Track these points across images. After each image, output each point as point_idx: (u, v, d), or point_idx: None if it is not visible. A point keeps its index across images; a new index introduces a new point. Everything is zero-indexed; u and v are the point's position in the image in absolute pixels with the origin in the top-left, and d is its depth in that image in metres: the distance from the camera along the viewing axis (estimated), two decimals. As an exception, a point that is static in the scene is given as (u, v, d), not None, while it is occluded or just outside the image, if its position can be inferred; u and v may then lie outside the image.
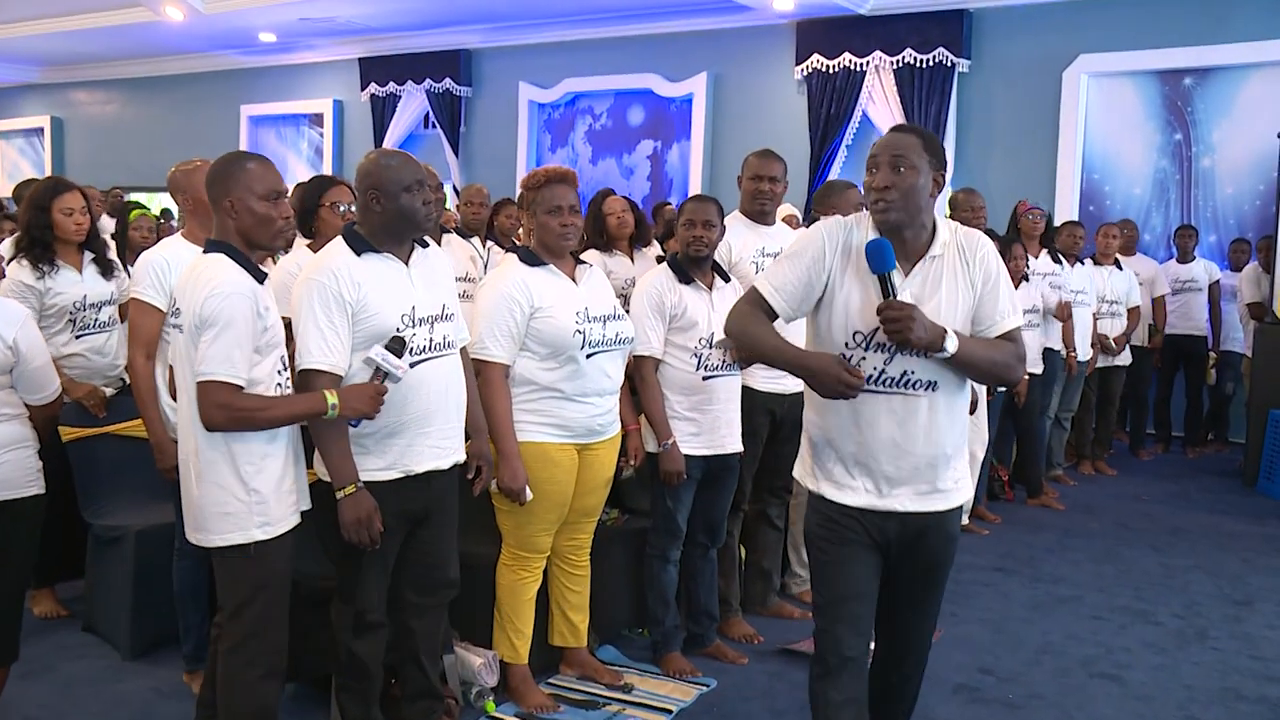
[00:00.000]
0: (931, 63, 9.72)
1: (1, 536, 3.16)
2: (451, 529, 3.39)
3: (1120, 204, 9.30)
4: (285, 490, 2.92)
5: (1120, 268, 7.72)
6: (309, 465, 3.27)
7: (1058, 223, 7.66)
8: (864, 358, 2.66)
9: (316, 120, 13.97)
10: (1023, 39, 9.51)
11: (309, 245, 3.93)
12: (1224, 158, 8.92)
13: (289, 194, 3.18)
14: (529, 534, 3.70)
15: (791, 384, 4.36)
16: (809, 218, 5.00)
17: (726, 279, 4.16)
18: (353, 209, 4.03)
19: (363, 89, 13.30)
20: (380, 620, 3.27)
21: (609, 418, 3.75)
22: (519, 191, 3.99)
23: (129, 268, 4.80)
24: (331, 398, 2.89)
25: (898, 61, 9.88)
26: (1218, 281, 8.55)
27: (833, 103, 10.26)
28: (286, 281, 3.56)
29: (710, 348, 3.99)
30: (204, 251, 2.93)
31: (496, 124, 12.39)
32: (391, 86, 13.04)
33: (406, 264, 3.20)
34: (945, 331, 2.58)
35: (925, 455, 2.70)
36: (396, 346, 3.01)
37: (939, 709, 3.80)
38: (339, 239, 3.22)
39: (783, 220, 6.99)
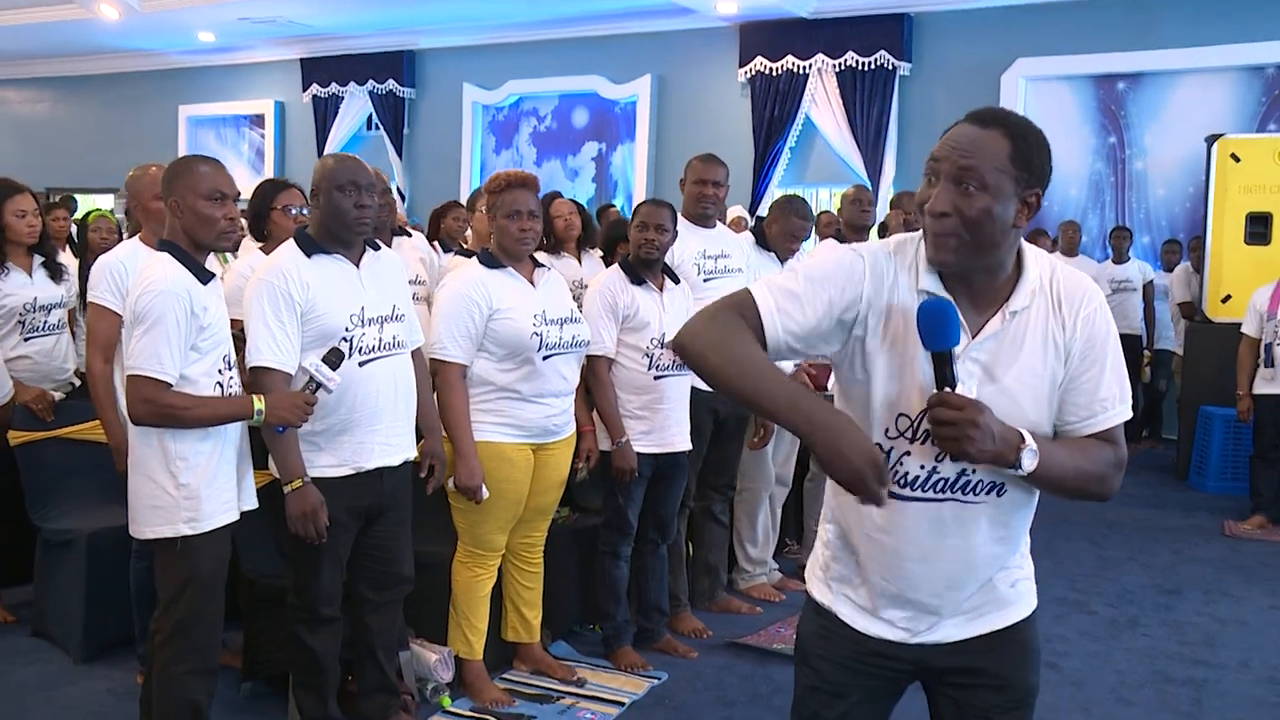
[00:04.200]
0: (873, 65, 9.94)
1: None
2: (405, 526, 3.46)
3: (1058, 205, 9.55)
4: (218, 488, 2.96)
5: None
6: (266, 466, 3.34)
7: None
8: (909, 451, 1.86)
9: (257, 121, 13.89)
10: (962, 43, 9.74)
11: (261, 248, 3.97)
12: (1156, 160, 9.23)
13: (238, 196, 3.21)
14: (484, 532, 3.75)
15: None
16: (759, 227, 5.12)
17: (676, 280, 4.25)
18: (304, 212, 4.09)
19: (304, 90, 13.25)
20: (335, 615, 3.33)
21: (564, 418, 3.82)
22: (467, 195, 4.03)
23: (87, 271, 4.81)
24: (259, 403, 2.95)
25: (840, 64, 10.07)
26: (1151, 281, 8.82)
27: (776, 105, 10.43)
28: (239, 284, 3.60)
29: (661, 348, 4.07)
30: (155, 250, 2.97)
31: (440, 126, 12.41)
32: (334, 88, 13.01)
33: (357, 265, 3.26)
34: (1022, 440, 1.76)
35: (979, 574, 1.94)
36: (333, 359, 3.06)
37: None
38: (290, 241, 3.29)
39: (731, 222, 7.14)
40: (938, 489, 1.86)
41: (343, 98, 13.02)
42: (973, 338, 1.83)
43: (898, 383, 1.84)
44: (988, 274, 1.83)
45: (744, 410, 4.61)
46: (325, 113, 13.16)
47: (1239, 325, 6.72)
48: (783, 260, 4.90)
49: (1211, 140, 7.74)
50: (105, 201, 12.64)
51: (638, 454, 4.05)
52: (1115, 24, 9.10)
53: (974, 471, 1.85)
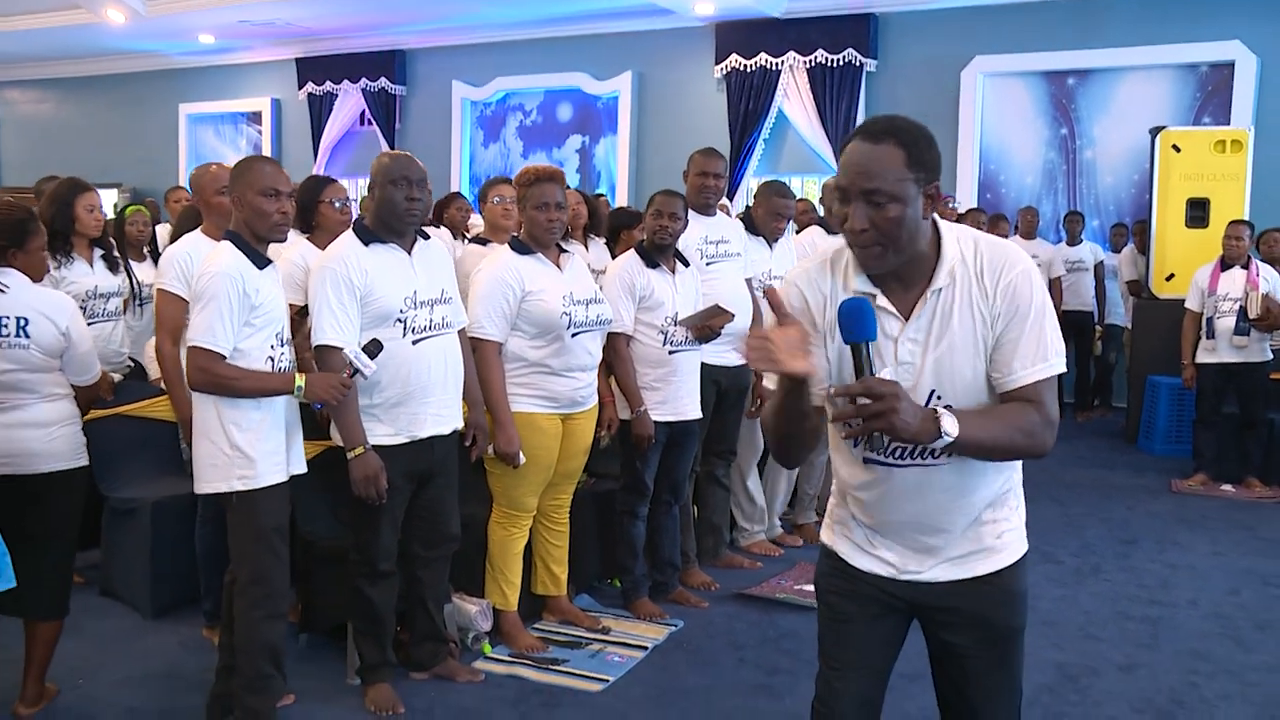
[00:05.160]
0: (841, 62, 10.19)
1: (57, 503, 3.45)
2: (453, 489, 3.75)
3: (1015, 192, 9.92)
4: (268, 450, 3.22)
5: None
6: (326, 436, 3.69)
7: (962, 210, 8.23)
8: (881, 438, 1.98)
9: (255, 118, 13.98)
10: (924, 41, 10.02)
11: (308, 238, 4.24)
12: (1103, 150, 9.60)
13: (292, 193, 3.43)
14: (518, 495, 4.06)
15: (735, 357, 4.79)
16: (746, 214, 5.44)
17: (686, 264, 4.57)
18: (349, 204, 4.43)
19: (300, 88, 13.35)
20: (392, 569, 3.64)
21: (589, 390, 4.12)
22: (457, 186, 4.29)
23: (129, 263, 5.13)
24: (299, 380, 3.24)
25: (810, 61, 10.32)
26: (1101, 262, 9.17)
27: (750, 99, 10.65)
28: (289, 271, 3.92)
29: (674, 325, 4.40)
30: (216, 240, 3.29)
31: (431, 121, 12.55)
32: (328, 86, 13.12)
33: (409, 253, 3.56)
34: (936, 416, 1.91)
35: (958, 525, 2.16)
36: (373, 349, 3.32)
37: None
38: (350, 231, 3.60)
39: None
40: (899, 455, 2.09)
41: (336, 95, 13.14)
42: (905, 320, 2.05)
43: (850, 370, 1.99)
44: (910, 263, 2.03)
45: (744, 381, 5.01)
46: (320, 110, 13.28)
47: (1182, 301, 7.10)
48: (771, 242, 5.20)
49: (1155, 132, 8.12)
50: (110, 197, 12.74)
51: (654, 422, 4.36)
52: (1065, 24, 9.42)
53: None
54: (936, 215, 2.07)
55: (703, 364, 4.64)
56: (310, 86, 13.26)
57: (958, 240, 2.06)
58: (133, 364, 4.98)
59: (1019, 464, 2.22)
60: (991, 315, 2.02)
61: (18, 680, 3.54)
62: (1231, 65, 8.96)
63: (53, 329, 3.41)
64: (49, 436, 3.43)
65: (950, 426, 1.90)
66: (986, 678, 2.24)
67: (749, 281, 5.00)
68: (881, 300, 2.06)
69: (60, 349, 3.46)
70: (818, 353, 2.09)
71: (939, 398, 2.04)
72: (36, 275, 3.50)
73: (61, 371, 3.51)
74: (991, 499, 2.17)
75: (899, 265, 2.03)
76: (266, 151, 13.59)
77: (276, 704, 3.39)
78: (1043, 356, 2.01)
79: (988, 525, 2.17)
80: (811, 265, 2.17)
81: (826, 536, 2.34)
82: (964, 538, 2.17)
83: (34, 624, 3.48)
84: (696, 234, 4.80)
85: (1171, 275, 7.99)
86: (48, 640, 3.51)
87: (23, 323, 3.36)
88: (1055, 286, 8.94)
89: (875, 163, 1.95)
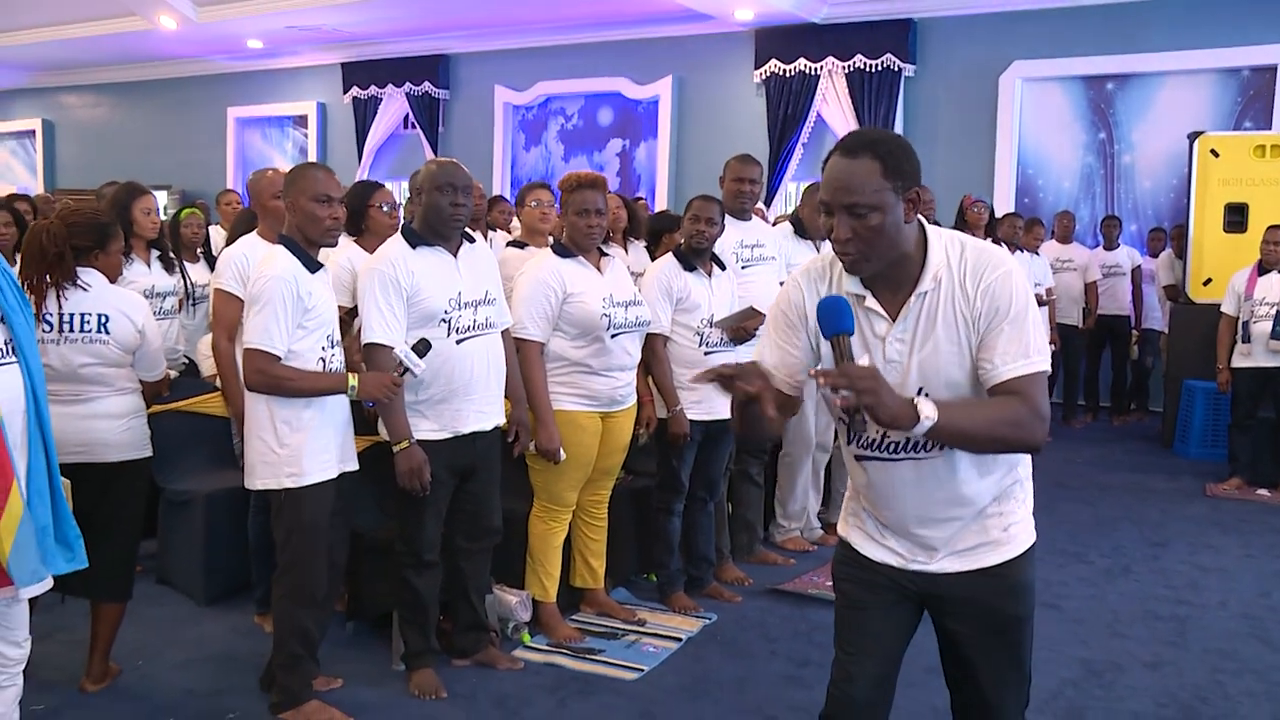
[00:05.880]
0: (880, 68, 10.20)
1: (125, 491, 3.63)
2: (495, 483, 3.87)
3: (1052, 197, 9.92)
4: (318, 449, 3.36)
5: (1037, 254, 8.15)
6: (374, 432, 3.83)
7: (998, 214, 8.18)
8: (866, 423, 2.09)
9: (300, 122, 14.17)
10: (963, 46, 10.03)
11: (356, 241, 4.36)
12: (1142, 155, 9.57)
13: (343, 199, 3.57)
14: (558, 490, 4.17)
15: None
16: (795, 217, 5.54)
17: (723, 267, 4.66)
18: (396, 209, 4.57)
19: (345, 92, 13.51)
20: (436, 560, 3.76)
21: (628, 390, 4.22)
22: (498, 190, 4.36)
23: (183, 263, 5.31)
24: (352, 379, 3.36)
25: (849, 66, 10.34)
26: (1139, 266, 9.17)
27: (789, 105, 10.70)
28: (338, 274, 4.04)
29: (710, 326, 4.50)
30: (272, 242, 3.43)
31: (473, 125, 12.66)
32: (373, 90, 13.26)
33: (455, 256, 3.68)
34: (913, 402, 1.99)
35: (961, 516, 2.24)
36: (421, 348, 3.44)
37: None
38: (398, 234, 3.73)
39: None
40: (892, 450, 2.20)
41: (381, 99, 13.26)
42: (892, 321, 2.15)
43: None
44: (896, 266, 2.13)
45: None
46: (364, 113, 13.41)
47: (1219, 305, 7.09)
48: (819, 242, 5.30)
49: (1193, 137, 8.11)
50: (160, 199, 13.03)
51: (690, 421, 4.45)
52: (1105, 29, 9.39)
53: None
54: (923, 218, 2.18)
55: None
56: (355, 90, 13.41)
57: (945, 246, 2.15)
58: (187, 361, 5.15)
59: (1026, 459, 2.29)
60: (973, 317, 2.11)
61: (83, 659, 3.73)
62: (1274, 69, 8.92)
63: (130, 326, 3.58)
64: (120, 428, 3.61)
65: (928, 410, 1.97)
66: (993, 664, 2.32)
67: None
68: (870, 301, 2.18)
69: (135, 345, 3.63)
70: (805, 348, 2.24)
71: (926, 395, 2.11)
72: (113, 276, 3.68)
73: (132, 367, 3.67)
74: (996, 493, 2.24)
75: (884, 268, 2.13)
76: (312, 154, 13.82)
77: (309, 683, 3.53)
78: (1024, 354, 2.07)
79: (994, 518, 2.25)
80: (814, 265, 2.30)
81: (842, 528, 2.45)
82: (970, 530, 2.25)
83: (100, 605, 3.66)
84: (732, 238, 4.89)
85: (1209, 280, 7.97)
86: (112, 621, 3.69)
87: (103, 319, 3.53)
88: (1091, 291, 8.94)
89: (853, 177, 2.06)
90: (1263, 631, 4.52)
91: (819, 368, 2.14)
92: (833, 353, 2.08)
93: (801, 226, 5.35)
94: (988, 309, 2.09)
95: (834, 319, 2.08)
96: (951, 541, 2.25)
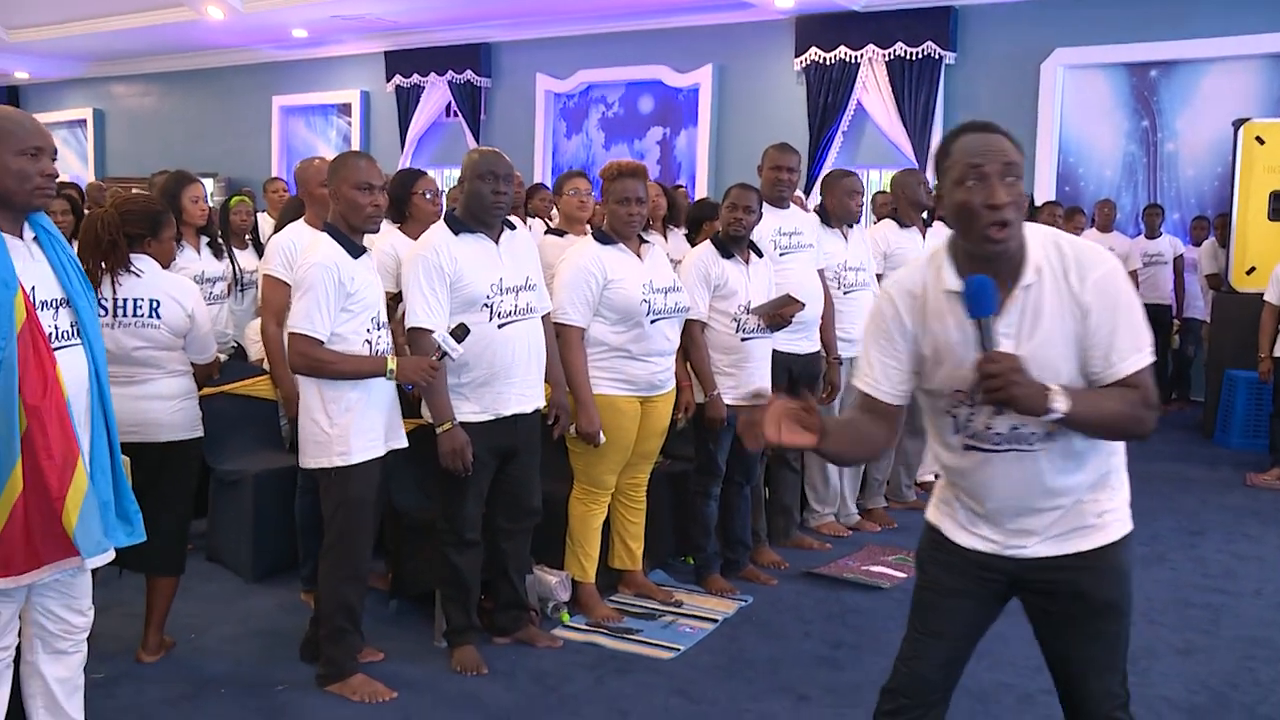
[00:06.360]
0: (920, 55, 10.18)
1: (177, 470, 3.74)
2: (535, 465, 3.94)
3: (1094, 185, 9.86)
4: (365, 428, 3.46)
5: None
6: (418, 415, 3.91)
7: (1038, 203, 8.20)
8: (971, 416, 2.23)
9: (344, 110, 14.31)
10: (1004, 33, 9.97)
11: (399, 228, 4.47)
12: (1185, 143, 9.48)
13: (384, 186, 3.66)
14: (598, 473, 4.24)
15: (806, 344, 4.94)
16: (820, 207, 5.57)
17: (760, 254, 4.71)
18: (439, 196, 4.65)
19: (388, 80, 13.61)
20: (477, 539, 3.84)
21: (667, 375, 4.28)
22: (539, 177, 4.40)
23: (232, 250, 5.44)
24: (391, 363, 3.45)
25: (889, 54, 10.33)
26: (1181, 255, 9.10)
27: (829, 93, 10.69)
28: (383, 260, 4.14)
29: (747, 313, 4.55)
30: (318, 229, 3.52)
31: (515, 113, 12.74)
32: (415, 78, 13.34)
33: (497, 243, 3.76)
34: (1048, 390, 2.05)
35: (1059, 506, 2.27)
36: (460, 333, 3.51)
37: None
38: (441, 222, 3.81)
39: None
40: (997, 441, 2.22)
41: (423, 87, 13.35)
42: (998, 315, 2.14)
43: (947, 367, 2.21)
44: (999, 259, 2.13)
45: (815, 369, 5.16)
46: (407, 101, 13.50)
47: (1262, 295, 7.03)
48: (848, 228, 5.35)
49: (1238, 124, 8.05)
50: (206, 186, 13.28)
51: (726, 405, 4.51)
52: (1148, 15, 9.31)
53: (1024, 425, 2.17)
54: None
55: (775, 351, 4.76)
56: (398, 79, 13.50)
57: (1041, 242, 2.17)
58: (236, 345, 5.27)
59: (1120, 449, 2.33)
60: (1082, 311, 2.13)
61: (139, 632, 3.86)
62: (1321, 56, 8.82)
63: (180, 310, 3.69)
64: (172, 409, 3.72)
65: (1060, 402, 2.03)
66: (1085, 650, 2.32)
67: (822, 273, 5.14)
68: None
69: (185, 329, 3.73)
70: (896, 351, 2.28)
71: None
72: (165, 262, 3.78)
73: (183, 350, 3.78)
74: (1091, 483, 2.26)
75: (1002, 256, 2.13)
76: (355, 142, 13.95)
77: (354, 656, 3.64)
78: (1137, 348, 2.13)
79: (1089, 504, 2.27)
80: (902, 274, 2.33)
81: (932, 514, 2.46)
82: (1067, 517, 2.26)
83: (154, 580, 3.79)
84: (770, 226, 4.92)
85: (1253, 269, 7.92)
86: (166, 595, 3.82)
87: (155, 304, 3.64)
88: (1132, 279, 8.84)
89: (1001, 142, 2.12)
90: (1298, 620, 4.52)
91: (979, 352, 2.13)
92: (979, 336, 2.10)
93: (827, 215, 5.36)
94: (1099, 304, 2.12)
95: (982, 300, 2.10)
96: (1048, 528, 2.27)
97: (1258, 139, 7.93)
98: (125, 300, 3.60)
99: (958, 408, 2.25)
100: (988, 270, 2.14)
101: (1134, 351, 2.13)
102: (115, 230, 3.58)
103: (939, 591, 2.40)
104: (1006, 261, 2.14)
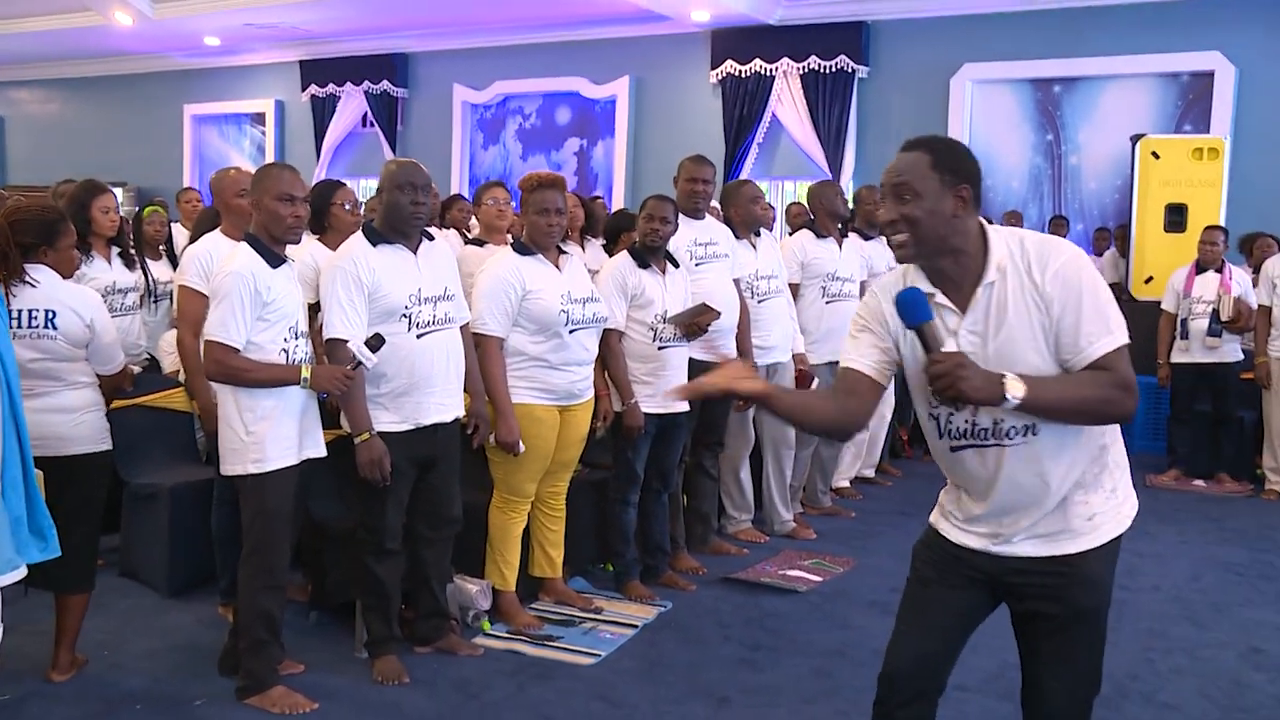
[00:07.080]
0: (834, 69, 10.38)
1: (85, 484, 3.68)
2: (454, 474, 3.95)
3: (1001, 196, 10.11)
4: (280, 436, 3.44)
5: None
6: (338, 425, 3.89)
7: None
8: (951, 416, 2.30)
9: (258, 119, 14.13)
10: (915, 49, 10.21)
11: (319, 239, 4.44)
12: (1088, 156, 9.80)
13: (306, 198, 3.64)
14: (517, 481, 4.25)
15: (727, 353, 4.96)
16: (725, 220, 5.64)
17: (676, 265, 4.77)
18: (359, 207, 4.64)
19: (303, 90, 13.49)
20: (397, 549, 3.84)
21: (585, 384, 4.31)
22: (456, 188, 4.40)
23: (145, 260, 5.35)
24: (305, 372, 3.46)
25: (804, 68, 10.50)
26: None
27: (745, 105, 10.84)
28: (302, 271, 4.09)
29: (664, 322, 4.60)
30: (235, 240, 3.51)
31: (432, 123, 12.70)
32: (331, 88, 13.26)
33: (415, 253, 3.77)
34: (1003, 379, 2.10)
35: (1044, 503, 2.28)
36: (375, 342, 3.53)
37: (857, 618, 4.52)
38: (359, 232, 3.81)
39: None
40: (980, 437, 2.27)
41: (339, 97, 13.28)
42: (962, 314, 2.23)
43: (914, 372, 2.30)
44: (955, 261, 2.23)
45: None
46: (323, 111, 13.42)
47: (1159, 303, 7.27)
48: (755, 236, 5.43)
49: (1135, 139, 8.35)
50: (117, 195, 12.96)
51: (644, 414, 4.55)
52: (1051, 33, 9.61)
53: (1004, 420, 2.22)
54: (983, 220, 2.30)
55: (691, 359, 4.80)
56: (314, 89, 13.40)
57: (1005, 241, 2.25)
58: (150, 357, 5.19)
59: (1117, 448, 2.36)
60: (1045, 303, 2.17)
61: (49, 651, 3.77)
62: (1211, 75, 9.16)
63: (78, 321, 3.63)
64: (75, 421, 3.65)
65: (1015, 388, 2.09)
66: (1055, 654, 2.36)
67: (737, 282, 5.22)
68: (940, 297, 2.28)
69: (85, 340, 3.67)
70: (879, 338, 2.36)
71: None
72: (66, 272, 3.71)
73: (87, 361, 3.72)
74: (1080, 480, 2.28)
75: (943, 261, 2.24)
76: (270, 153, 13.80)
77: (274, 668, 3.61)
78: (1106, 330, 2.16)
79: (1078, 506, 2.29)
80: (887, 277, 2.43)
81: (934, 518, 2.52)
82: (1052, 516, 2.29)
83: (64, 597, 3.70)
84: (686, 237, 4.98)
85: (1150, 278, 8.19)
86: (77, 612, 3.73)
87: (51, 315, 3.57)
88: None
89: (902, 163, 2.26)
90: (1192, 613, 4.71)
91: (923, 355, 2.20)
92: (920, 342, 2.18)
93: (732, 227, 5.41)
94: (1061, 293, 2.17)
95: (913, 309, 2.19)
96: (1033, 526, 2.30)
97: (1154, 154, 8.25)
98: (20, 311, 3.53)
99: (936, 409, 2.32)
100: (945, 275, 2.25)
101: (1103, 334, 2.16)
102: (6, 240, 3.49)
103: (922, 584, 2.47)
104: (963, 265, 2.24)
